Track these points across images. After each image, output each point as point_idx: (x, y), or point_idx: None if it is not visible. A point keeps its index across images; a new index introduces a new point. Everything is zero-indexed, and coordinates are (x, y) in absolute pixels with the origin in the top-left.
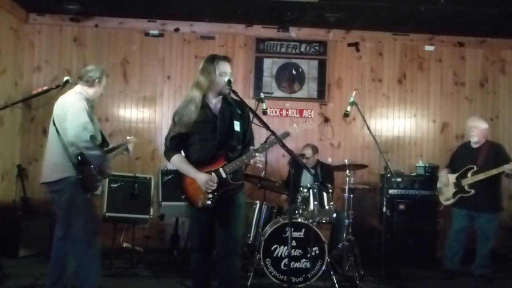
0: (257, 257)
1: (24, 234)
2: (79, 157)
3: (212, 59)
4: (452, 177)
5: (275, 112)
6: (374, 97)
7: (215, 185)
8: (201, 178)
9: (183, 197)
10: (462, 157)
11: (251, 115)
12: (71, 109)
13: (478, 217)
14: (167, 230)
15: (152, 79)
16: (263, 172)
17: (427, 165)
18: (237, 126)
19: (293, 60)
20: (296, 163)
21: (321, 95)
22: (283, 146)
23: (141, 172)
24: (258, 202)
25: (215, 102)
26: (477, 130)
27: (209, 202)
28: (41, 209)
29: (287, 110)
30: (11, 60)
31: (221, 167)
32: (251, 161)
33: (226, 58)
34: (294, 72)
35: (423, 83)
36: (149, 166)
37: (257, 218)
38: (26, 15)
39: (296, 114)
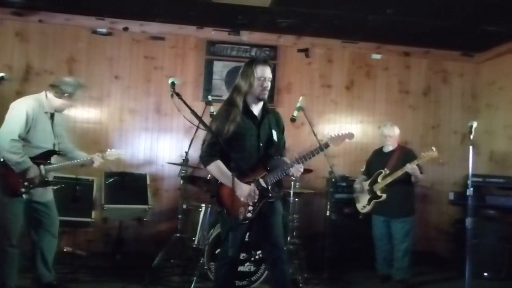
0: (201, 261)
1: None
2: (1, 159)
3: (251, 63)
4: (366, 184)
5: None
6: (323, 102)
7: (257, 197)
8: (244, 190)
9: (219, 210)
10: (376, 163)
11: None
12: (10, 111)
13: (393, 222)
14: (112, 234)
15: (99, 79)
16: (209, 175)
17: None
18: (274, 135)
19: (243, 64)
20: None
21: (270, 99)
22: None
23: (84, 174)
24: (203, 205)
25: (256, 110)
26: (392, 139)
27: (249, 214)
28: None
29: None
30: None
31: (261, 177)
32: (292, 171)
33: (265, 62)
34: None
35: (370, 90)
36: (93, 168)
37: (202, 222)
38: None
39: None
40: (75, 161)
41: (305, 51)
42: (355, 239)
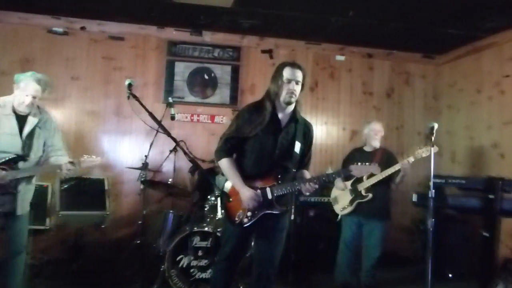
0: (162, 268)
1: None
2: None
3: (281, 65)
4: (348, 184)
5: (186, 117)
6: None
7: (257, 204)
8: (245, 194)
9: (223, 210)
10: (357, 161)
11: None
12: None
13: (366, 224)
14: (68, 241)
15: (55, 80)
16: (170, 179)
17: None
18: (297, 146)
19: (206, 65)
20: (196, 170)
21: (234, 101)
22: (186, 154)
23: (39, 179)
24: (164, 210)
25: (282, 116)
26: (380, 133)
27: (245, 220)
28: None
29: (198, 115)
30: None
31: (269, 186)
32: (302, 189)
33: (295, 65)
34: (206, 77)
35: (334, 91)
36: (48, 173)
37: (164, 227)
38: None
39: (208, 119)
40: (39, 168)
41: (269, 52)
42: (320, 242)
